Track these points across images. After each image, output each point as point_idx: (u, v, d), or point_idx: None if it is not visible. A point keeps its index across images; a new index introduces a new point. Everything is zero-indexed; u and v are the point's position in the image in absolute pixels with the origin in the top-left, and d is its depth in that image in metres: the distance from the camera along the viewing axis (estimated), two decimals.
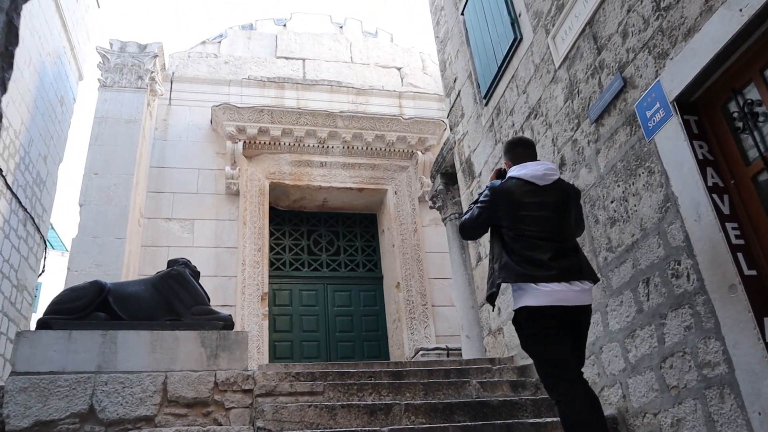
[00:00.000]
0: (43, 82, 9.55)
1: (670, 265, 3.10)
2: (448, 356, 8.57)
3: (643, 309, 3.32)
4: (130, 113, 9.20)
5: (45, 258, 10.03)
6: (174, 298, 4.33)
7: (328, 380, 3.49)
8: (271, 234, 10.89)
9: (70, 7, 10.72)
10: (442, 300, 10.51)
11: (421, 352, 8.84)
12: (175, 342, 4.12)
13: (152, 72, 9.86)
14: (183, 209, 10.04)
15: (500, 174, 3.18)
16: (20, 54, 8.59)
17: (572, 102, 3.98)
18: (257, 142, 10.73)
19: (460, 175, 7.70)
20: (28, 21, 8.88)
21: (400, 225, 10.90)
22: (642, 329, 3.32)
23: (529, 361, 4.38)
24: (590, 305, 2.83)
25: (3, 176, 8.01)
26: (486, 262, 6.74)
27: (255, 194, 10.47)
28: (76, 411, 3.82)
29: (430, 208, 9.07)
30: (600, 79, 3.67)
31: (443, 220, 8.56)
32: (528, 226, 2.86)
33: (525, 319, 2.78)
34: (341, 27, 13.90)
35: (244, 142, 10.59)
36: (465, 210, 7.54)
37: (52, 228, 20.27)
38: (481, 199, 3.07)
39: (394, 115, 11.48)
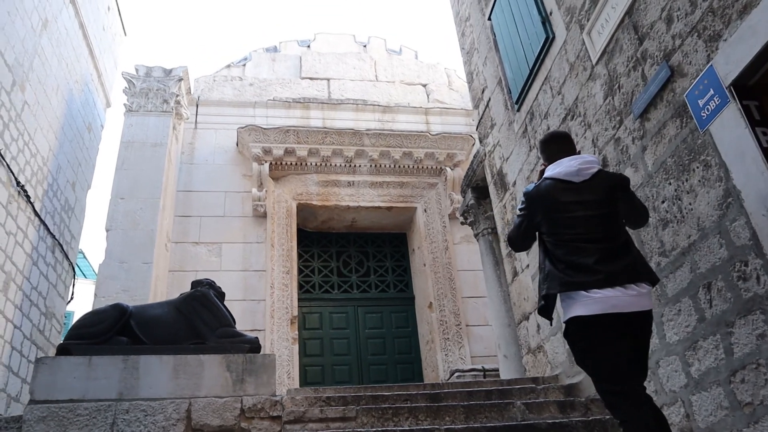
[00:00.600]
0: (70, 109, 9.59)
1: (735, 267, 2.79)
2: (484, 377, 8.22)
3: (706, 317, 3.01)
4: (156, 137, 9.16)
5: (74, 285, 9.98)
6: (198, 321, 4.13)
7: (361, 404, 3.24)
8: (300, 256, 10.71)
9: (97, 35, 10.81)
10: (476, 319, 10.17)
11: (456, 374, 8.50)
12: (199, 367, 3.91)
13: (177, 95, 9.84)
14: (210, 233, 9.94)
15: (541, 175, 2.94)
16: (48, 81, 8.63)
17: (612, 98, 3.71)
18: (283, 163, 10.61)
19: (491, 188, 7.44)
20: (55, 48, 8.94)
21: (431, 243, 10.63)
22: (705, 340, 3.01)
23: (576, 379, 4.06)
24: (650, 310, 2.53)
25: (31, 203, 7.99)
26: (522, 277, 6.44)
27: (282, 216, 10.33)
28: None
29: (462, 224, 8.80)
30: (643, 70, 3.40)
31: (475, 235, 8.28)
32: (568, 229, 2.61)
33: (576, 332, 2.51)
34: (365, 46, 13.83)
35: (271, 163, 10.48)
36: (498, 223, 7.26)
37: (84, 256, 20.44)
38: (519, 207, 2.84)
39: (421, 132, 11.28)
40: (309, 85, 12.64)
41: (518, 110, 5.10)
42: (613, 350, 2.43)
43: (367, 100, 12.35)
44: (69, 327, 4.30)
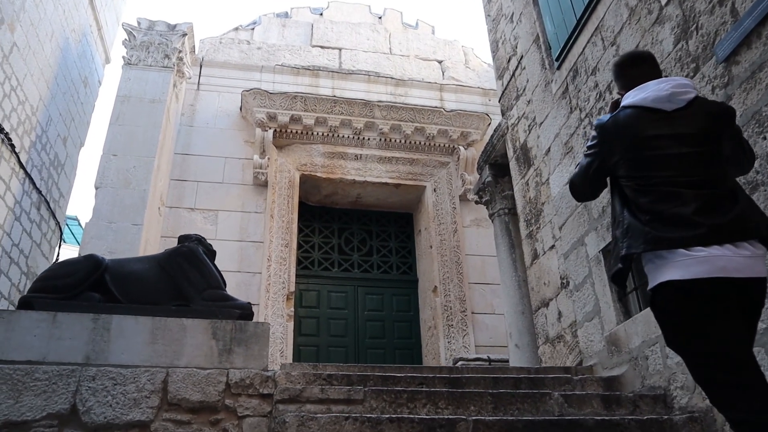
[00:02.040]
0: (65, 60, 9.00)
1: None
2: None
3: None
4: (155, 93, 8.58)
5: (60, 245, 9.44)
6: (183, 280, 3.58)
7: (369, 385, 2.70)
8: (300, 231, 10.16)
9: None
10: (482, 307, 9.64)
11: (460, 363, 7.97)
12: (181, 332, 3.36)
13: (180, 51, 9.25)
14: (207, 199, 9.38)
15: (616, 107, 2.35)
16: (41, 25, 8.03)
17: (686, 43, 3.15)
18: (289, 131, 10.03)
19: (513, 164, 6.88)
20: None
21: (439, 225, 10.08)
22: None
23: (616, 371, 3.53)
24: (765, 279, 1.94)
25: (16, 153, 7.42)
26: (544, 259, 5.89)
27: (284, 186, 9.76)
28: (55, 411, 3.08)
29: (476, 203, 8.24)
30: (733, 4, 2.84)
31: (490, 216, 7.73)
32: (658, 171, 2.01)
33: (671, 301, 1.92)
34: (380, 18, 13.22)
35: (275, 130, 9.90)
36: (519, 201, 6.71)
37: (78, 223, 19.89)
38: (589, 144, 2.26)
39: (435, 107, 10.68)
40: (320, 53, 12.04)
41: (558, 68, 4.53)
42: (727, 327, 1.84)
43: (380, 72, 11.75)
44: None
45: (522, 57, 6.77)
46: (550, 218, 5.81)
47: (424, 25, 13.51)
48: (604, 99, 3.85)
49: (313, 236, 10.48)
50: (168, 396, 3.17)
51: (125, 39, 9.03)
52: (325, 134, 10.17)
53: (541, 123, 4.80)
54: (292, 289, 9.03)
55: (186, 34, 9.28)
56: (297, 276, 9.54)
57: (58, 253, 9.51)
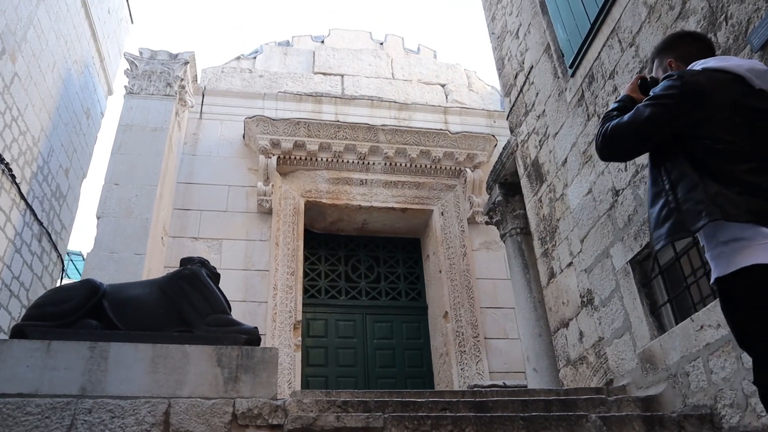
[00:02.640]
0: (68, 90, 8.92)
1: None
2: None
3: None
4: (157, 121, 8.46)
5: (62, 278, 9.23)
6: (185, 304, 3.37)
7: (388, 412, 2.47)
8: (306, 258, 9.94)
9: (101, 17, 10.18)
10: (495, 332, 9.36)
11: (475, 390, 7.69)
12: (183, 359, 3.14)
13: (182, 80, 9.16)
14: (211, 228, 9.20)
15: (643, 85, 2.12)
16: (43, 56, 7.96)
17: (715, 35, 2.98)
18: (292, 157, 9.89)
19: (524, 181, 6.70)
20: (53, 23, 8.29)
21: (448, 248, 9.86)
22: None
23: (653, 390, 3.28)
24: None
25: (17, 184, 7.27)
26: (561, 278, 5.65)
27: (289, 213, 9.58)
28: None
29: (486, 223, 8.03)
30: None
31: (502, 236, 7.51)
32: (757, 142, 1.78)
33: (752, 290, 1.70)
34: (381, 43, 13.19)
35: (279, 156, 9.76)
36: (532, 219, 6.49)
37: (83, 258, 19.70)
38: (660, 93, 1.94)
39: (440, 129, 10.55)
40: (322, 80, 11.98)
41: (572, 75, 4.37)
42: None
43: (383, 97, 11.67)
44: None
45: (530, 71, 6.64)
46: (567, 234, 5.60)
47: (426, 50, 13.49)
48: None
49: (319, 264, 10.27)
50: (170, 429, 2.93)
51: (127, 69, 8.96)
52: (330, 160, 10.03)
53: (556, 134, 4.62)
54: (299, 318, 8.78)
55: (188, 62, 9.21)
56: (303, 305, 9.31)
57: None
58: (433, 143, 10.36)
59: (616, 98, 2.03)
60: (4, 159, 6.81)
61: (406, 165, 10.28)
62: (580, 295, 5.31)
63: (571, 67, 4.40)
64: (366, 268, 10.42)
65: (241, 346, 3.22)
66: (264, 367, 3.16)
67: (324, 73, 12.08)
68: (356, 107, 11.23)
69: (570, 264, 5.53)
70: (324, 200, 9.87)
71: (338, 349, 9.58)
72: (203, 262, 3.57)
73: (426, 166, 10.36)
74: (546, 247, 6.05)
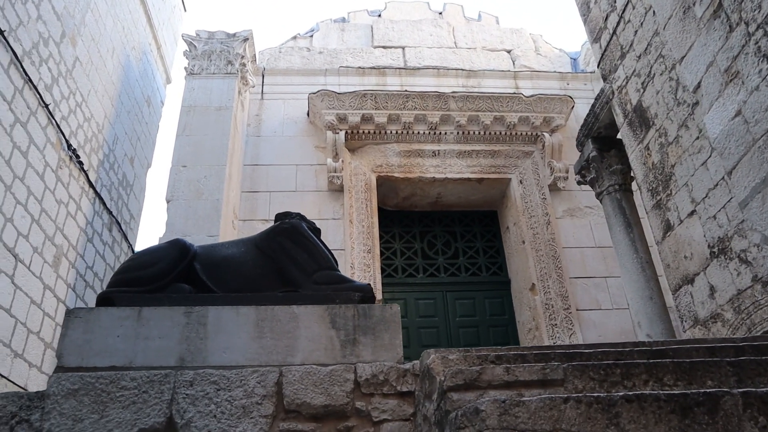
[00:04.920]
0: (128, 78, 8.72)
1: None
2: None
3: None
4: (220, 100, 8.17)
5: None
6: (288, 262, 2.95)
7: (567, 362, 1.98)
8: (380, 237, 9.50)
9: (155, 4, 9.98)
10: (587, 303, 8.72)
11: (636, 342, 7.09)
12: (292, 322, 2.71)
13: (243, 57, 8.84)
14: (281, 209, 8.82)
15: None
16: (102, 41, 7.75)
17: None
18: (360, 131, 9.45)
19: (625, 130, 6.06)
20: (110, 7, 8.08)
21: (530, 218, 9.25)
22: None
23: None
24: None
25: (85, 171, 7.07)
26: (681, 230, 5.02)
27: (361, 190, 9.16)
28: (148, 425, 2.47)
29: (579, 183, 7.40)
30: None
31: (598, 195, 6.89)
32: None
33: None
34: (440, 13, 12.63)
35: (346, 132, 9.34)
36: (638, 170, 5.86)
37: None
38: None
39: (514, 94, 9.92)
40: (382, 53, 11.50)
41: None
42: None
43: (448, 66, 11.11)
44: None
45: (624, 8, 5.99)
46: (687, 179, 4.96)
47: (488, 17, 12.87)
48: None
49: (393, 242, 9.82)
50: (284, 401, 2.51)
51: (186, 50, 8.69)
52: (399, 132, 9.55)
53: (682, 58, 4.00)
54: (379, 297, 8.35)
55: (247, 39, 8.89)
56: (382, 284, 8.88)
57: None
58: (506, 108, 9.74)
59: None
60: (71, 145, 6.59)
61: (479, 133, 9.70)
62: (709, 246, 4.68)
63: None
64: (443, 244, 9.91)
65: (357, 304, 2.77)
66: (385, 327, 2.71)
67: (384, 47, 11.61)
68: (421, 77, 10.71)
69: (692, 212, 4.89)
70: (396, 174, 9.40)
71: (420, 329, 9.13)
72: (302, 216, 3.14)
73: (500, 133, 9.76)
74: (659, 198, 5.42)
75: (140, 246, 11.47)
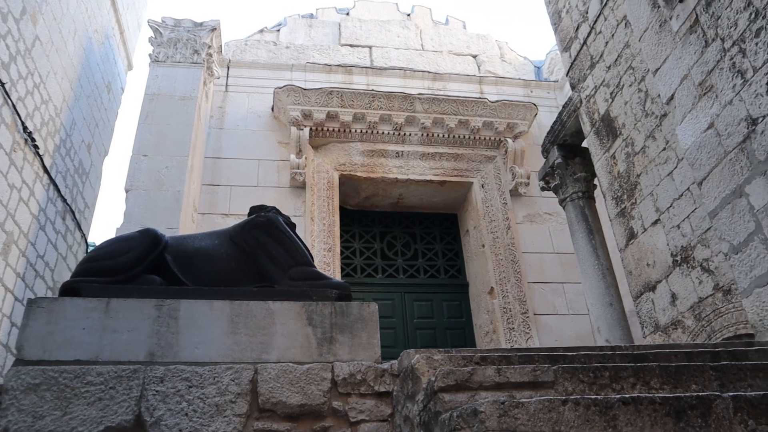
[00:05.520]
0: (89, 61, 8.42)
1: None
2: None
3: None
4: (185, 90, 7.96)
5: None
6: (263, 257, 2.87)
7: (558, 364, 1.97)
8: (340, 236, 9.43)
9: None
10: (544, 308, 8.85)
11: (619, 345, 7.17)
12: (268, 318, 2.64)
13: (209, 47, 8.65)
14: (242, 204, 8.68)
15: None
16: (64, 21, 7.47)
17: None
18: (325, 129, 9.37)
19: (591, 139, 6.16)
20: None
21: (490, 222, 9.33)
22: None
23: None
24: None
25: (40, 156, 6.79)
26: (645, 238, 5.13)
27: (323, 188, 9.08)
28: (115, 423, 2.36)
29: (542, 189, 7.50)
30: None
31: (561, 201, 6.99)
32: None
33: None
34: (409, 15, 12.65)
35: (311, 128, 9.24)
36: (604, 178, 5.96)
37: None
38: None
39: (479, 98, 10.00)
40: (349, 52, 11.44)
41: (681, 0, 3.83)
42: None
43: (415, 67, 11.13)
44: None
45: (596, 20, 6.10)
46: (652, 189, 5.07)
47: (455, 21, 12.95)
48: (764, 17, 3.14)
49: (353, 241, 9.77)
50: (259, 399, 2.44)
51: (151, 36, 8.45)
52: (364, 131, 9.51)
53: (657, 70, 4.08)
54: None
55: (215, 29, 8.71)
56: None
57: None
58: (471, 112, 9.81)
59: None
60: (27, 128, 6.32)
61: (443, 136, 9.74)
62: (672, 254, 4.80)
63: None
64: (402, 245, 9.91)
65: (334, 301, 2.72)
66: (363, 325, 2.67)
67: (351, 45, 11.55)
68: (388, 78, 10.69)
69: (657, 221, 5.00)
70: (359, 173, 9.36)
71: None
72: (278, 210, 3.07)
73: (464, 137, 9.82)
74: (623, 206, 5.52)
75: (94, 236, 11.11)
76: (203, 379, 2.46)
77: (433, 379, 1.83)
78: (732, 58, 3.38)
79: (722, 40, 3.46)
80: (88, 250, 9.01)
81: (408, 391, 2.21)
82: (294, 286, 2.78)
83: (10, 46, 6.02)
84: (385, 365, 2.58)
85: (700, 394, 1.64)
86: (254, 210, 3.14)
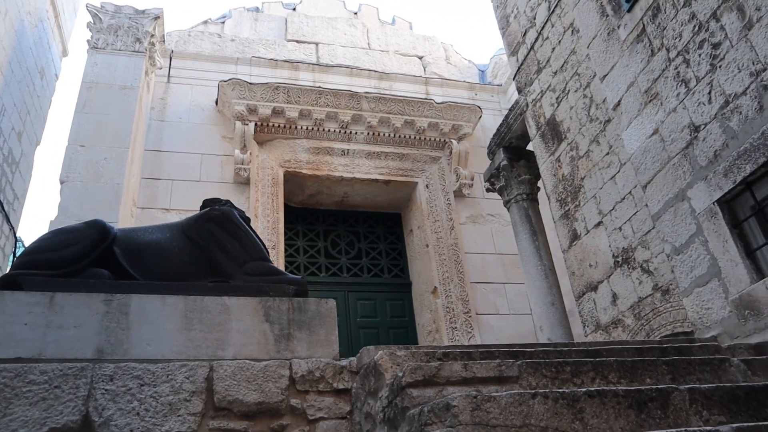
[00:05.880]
0: (20, 44, 8.01)
1: None
2: None
3: None
4: (126, 79, 7.69)
5: (14, 255, 8.35)
6: (217, 251, 2.79)
7: (521, 359, 2.00)
8: (284, 234, 9.32)
9: None
10: (486, 307, 9.00)
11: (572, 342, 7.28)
12: (223, 314, 2.57)
13: (152, 36, 8.39)
14: (183, 199, 8.46)
15: None
16: None
17: None
18: (270, 124, 9.24)
19: (537, 142, 6.30)
20: None
21: (434, 222, 9.42)
22: None
23: (755, 339, 2.91)
24: None
25: None
26: (588, 239, 5.28)
27: (268, 184, 8.94)
28: (60, 425, 2.24)
29: (488, 190, 7.63)
30: None
31: (506, 203, 7.12)
32: None
33: None
34: (356, 13, 12.63)
35: (256, 124, 9.10)
36: (548, 180, 6.11)
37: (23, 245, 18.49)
38: None
39: (425, 99, 10.08)
40: (295, 48, 11.33)
41: (629, 11, 3.96)
42: None
43: (361, 66, 11.11)
44: None
45: (543, 26, 6.24)
46: (595, 192, 5.23)
47: (402, 22, 13.01)
48: (707, 29, 3.28)
49: (297, 239, 9.67)
50: (215, 398, 2.37)
51: (90, 22, 8.12)
52: (310, 128, 9.42)
53: (604, 77, 4.21)
54: None
55: (158, 17, 8.45)
56: None
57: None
58: (417, 113, 9.88)
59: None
60: None
61: (389, 135, 9.77)
62: (613, 255, 4.96)
63: (627, 1, 4.00)
64: (346, 243, 9.88)
65: (291, 297, 2.67)
66: (321, 322, 2.63)
67: (298, 41, 11.44)
68: (334, 75, 10.64)
69: (599, 224, 5.16)
70: (304, 170, 9.27)
71: None
72: (232, 204, 2.99)
73: (410, 137, 9.88)
74: (567, 208, 5.67)
75: (23, 230, 10.60)
76: (156, 376, 2.37)
77: (400, 374, 1.82)
78: (677, 68, 3.52)
79: (667, 50, 3.60)
80: (17, 245, 8.57)
81: (370, 388, 2.19)
82: (250, 281, 2.72)
83: None
84: (344, 362, 2.56)
85: (659, 386, 1.70)
86: (208, 203, 3.05)
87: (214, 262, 2.77)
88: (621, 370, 1.98)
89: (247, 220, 3.04)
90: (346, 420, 2.41)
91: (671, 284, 4.26)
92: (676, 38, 3.55)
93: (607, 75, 4.20)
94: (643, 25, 3.85)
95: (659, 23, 3.71)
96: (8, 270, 2.68)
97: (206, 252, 2.79)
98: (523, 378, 1.86)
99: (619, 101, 4.02)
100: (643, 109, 3.78)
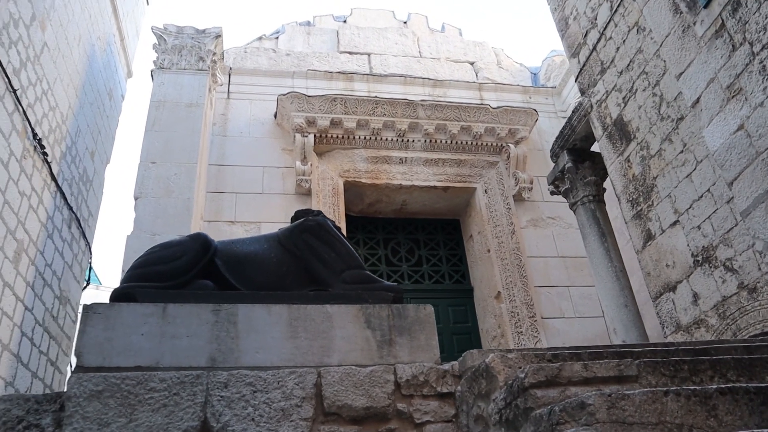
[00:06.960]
0: (92, 68, 8.38)
1: None
2: None
3: None
4: (191, 97, 7.94)
5: (90, 269, 8.69)
6: (314, 260, 2.87)
7: (640, 359, 2.01)
8: None
9: None
10: (551, 311, 8.90)
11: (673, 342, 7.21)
12: (326, 322, 2.64)
13: (214, 54, 8.63)
14: (247, 211, 8.68)
15: None
16: (69, 27, 7.42)
17: None
18: (329, 135, 9.38)
19: (604, 143, 6.23)
20: None
21: (495, 227, 9.38)
22: None
23: None
24: None
25: (48, 163, 6.74)
26: (663, 239, 5.19)
27: (328, 194, 9.07)
28: (182, 429, 2.35)
29: (552, 193, 7.56)
30: None
31: (572, 205, 7.05)
32: None
33: None
34: (405, 22, 12.72)
35: (315, 135, 9.24)
36: (618, 181, 6.03)
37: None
38: None
39: (480, 104, 10.07)
40: (348, 59, 11.47)
41: (706, 6, 3.90)
42: None
43: (414, 74, 11.19)
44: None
45: (606, 26, 6.18)
46: (669, 191, 5.14)
47: (451, 28, 13.04)
48: None
49: (357, 248, 9.76)
50: (324, 403, 2.44)
51: (155, 43, 8.42)
52: (367, 138, 9.53)
53: (681, 74, 4.15)
54: None
55: (219, 36, 8.70)
56: None
57: (88, 280, 8.76)
58: (473, 118, 9.88)
59: None
60: (36, 134, 6.27)
61: (446, 142, 9.79)
62: (693, 254, 4.86)
63: None
64: (406, 251, 9.93)
65: (390, 304, 2.72)
66: (420, 327, 2.67)
67: (350, 52, 11.59)
68: (389, 84, 10.73)
69: (675, 223, 5.07)
70: (363, 180, 9.37)
71: None
72: (324, 214, 3.07)
73: (467, 143, 9.88)
74: (639, 208, 5.59)
75: (97, 245, 11.01)
76: (267, 383, 2.45)
77: (521, 375, 1.84)
78: (762, 62, 3.45)
79: (751, 44, 3.53)
80: (91, 260, 8.92)
81: (480, 390, 2.22)
82: (348, 289, 2.78)
83: (21, 53, 5.98)
84: (446, 366, 2.59)
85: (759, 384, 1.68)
86: (301, 214, 3.14)
87: (312, 272, 2.85)
88: (739, 368, 1.96)
89: (339, 229, 3.11)
90: (452, 423, 2.44)
91: (758, 282, 4.15)
92: (760, 31, 3.48)
93: (683, 72, 4.14)
94: (722, 20, 3.79)
95: (740, 17, 3.64)
96: (119, 283, 2.81)
97: (303, 262, 2.87)
98: (643, 377, 1.86)
99: (699, 98, 3.96)
100: (725, 105, 3.71)
